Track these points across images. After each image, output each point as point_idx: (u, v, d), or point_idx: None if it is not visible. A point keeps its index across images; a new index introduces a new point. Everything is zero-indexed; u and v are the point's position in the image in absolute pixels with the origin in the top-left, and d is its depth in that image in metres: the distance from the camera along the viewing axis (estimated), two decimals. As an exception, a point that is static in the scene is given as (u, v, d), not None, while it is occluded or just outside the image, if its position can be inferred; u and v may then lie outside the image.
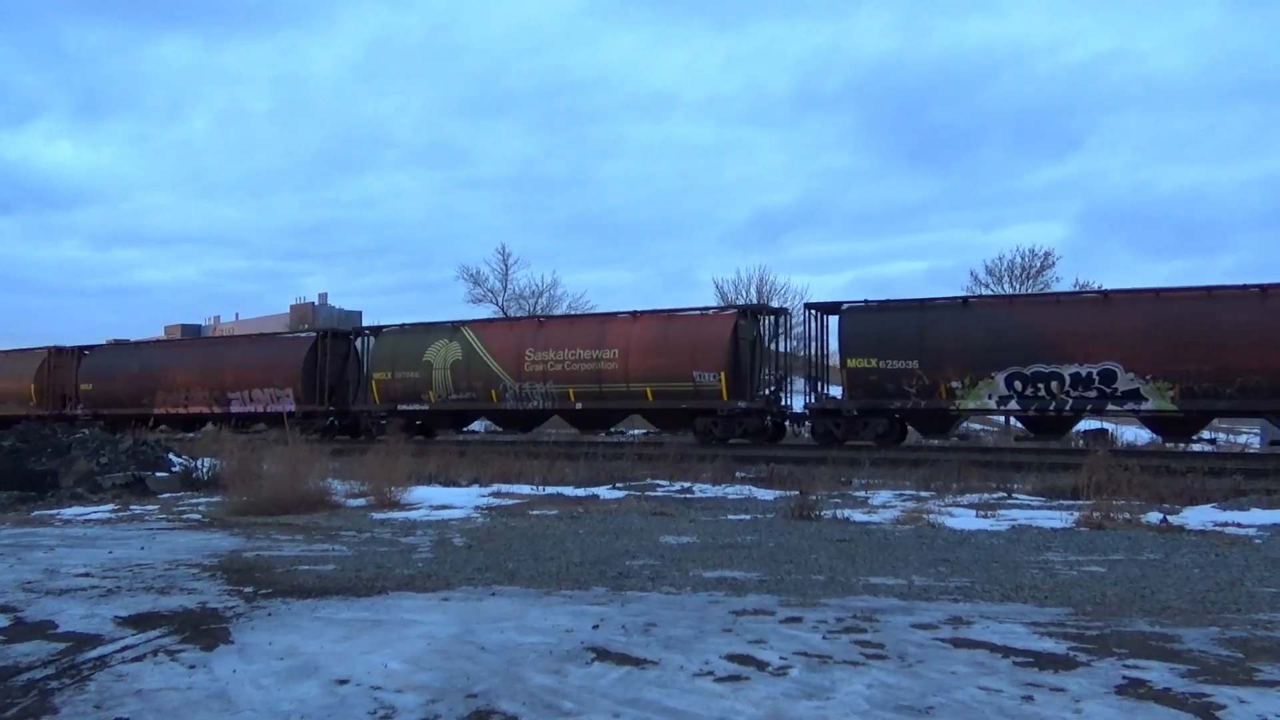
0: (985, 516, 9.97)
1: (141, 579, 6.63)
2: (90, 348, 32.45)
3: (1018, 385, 18.34)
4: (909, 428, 20.96)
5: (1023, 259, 40.32)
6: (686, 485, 13.86)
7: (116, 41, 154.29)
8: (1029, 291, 20.46)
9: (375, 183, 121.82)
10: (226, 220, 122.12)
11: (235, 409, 26.97)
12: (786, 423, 22.38)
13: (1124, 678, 4.08)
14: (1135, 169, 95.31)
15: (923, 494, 12.58)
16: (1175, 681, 4.02)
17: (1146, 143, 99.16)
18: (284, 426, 25.88)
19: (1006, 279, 39.98)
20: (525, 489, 13.35)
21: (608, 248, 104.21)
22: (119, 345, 33.50)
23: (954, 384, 18.79)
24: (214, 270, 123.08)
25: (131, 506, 11.86)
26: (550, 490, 13.16)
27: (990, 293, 36.12)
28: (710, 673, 4.19)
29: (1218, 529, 9.04)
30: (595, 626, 5.04)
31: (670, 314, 22.48)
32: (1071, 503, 10.98)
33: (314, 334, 27.47)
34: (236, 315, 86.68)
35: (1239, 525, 9.27)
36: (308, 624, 5.19)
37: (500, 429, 25.66)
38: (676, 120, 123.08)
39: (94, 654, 4.59)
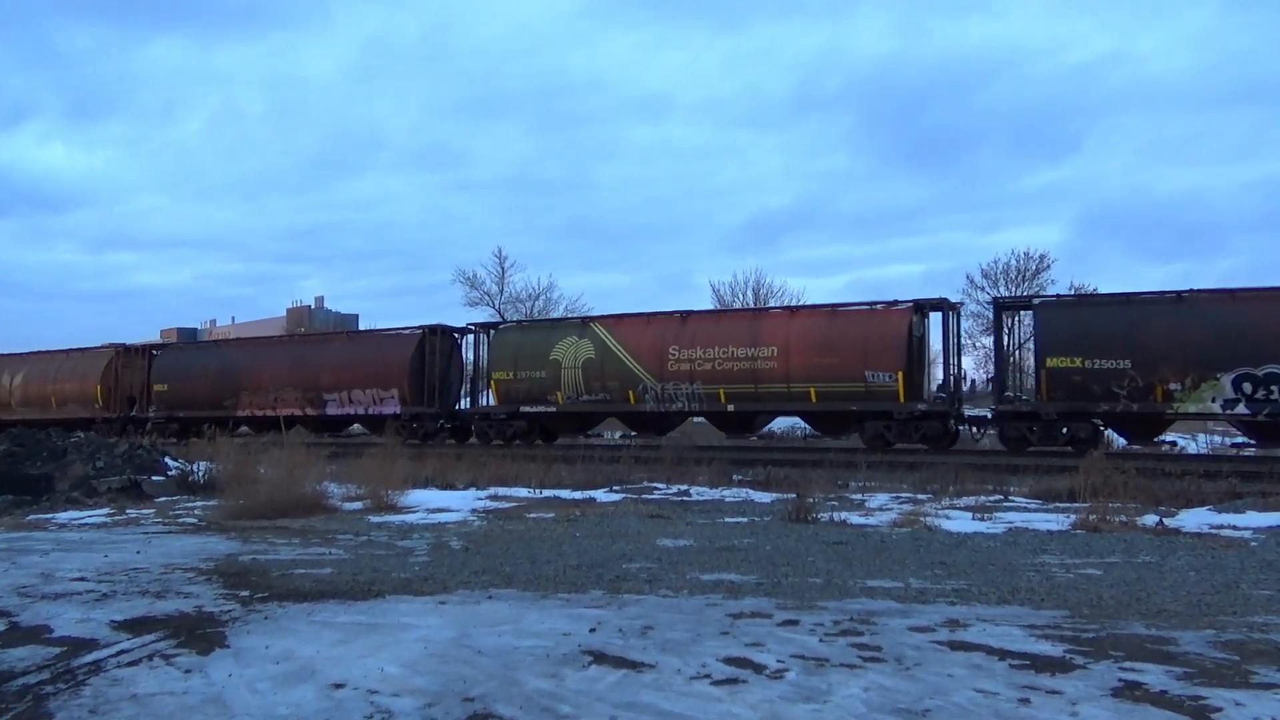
0: (982, 519, 9.98)
1: (137, 583, 6.62)
2: (162, 346, 30.66)
3: (1247, 388, 16.84)
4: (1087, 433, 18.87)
5: (1018, 262, 40.46)
6: (684, 488, 13.85)
7: (108, 42, 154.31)
8: (1251, 287, 18.59)
9: (370, 185, 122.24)
10: (221, 223, 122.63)
11: (331, 411, 25.38)
12: (963, 426, 20.45)
13: (1120, 680, 4.08)
14: (1133, 171, 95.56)
15: (919, 497, 12.58)
16: (1171, 684, 4.02)
17: (1144, 145, 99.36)
18: (385, 429, 24.21)
19: (1002, 282, 40.10)
20: (522, 492, 13.35)
21: (604, 251, 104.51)
22: (197, 343, 31.57)
23: (1172, 386, 17.28)
24: (208, 274, 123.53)
25: (127, 510, 11.84)
26: (547, 493, 13.16)
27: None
28: (707, 676, 4.19)
29: (1213, 531, 9.05)
30: (592, 630, 5.04)
31: (834, 309, 21.10)
32: (1068, 505, 11.00)
33: (421, 330, 25.30)
34: (233, 319, 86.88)
35: (1235, 528, 9.29)
36: (304, 628, 5.18)
37: (634, 433, 23.84)
38: (674, 122, 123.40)
39: (89, 658, 4.58)
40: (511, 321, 24.47)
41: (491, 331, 24.68)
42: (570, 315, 23.38)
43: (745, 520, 10.09)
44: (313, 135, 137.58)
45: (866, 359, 19.38)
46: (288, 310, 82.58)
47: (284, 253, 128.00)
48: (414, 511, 11.08)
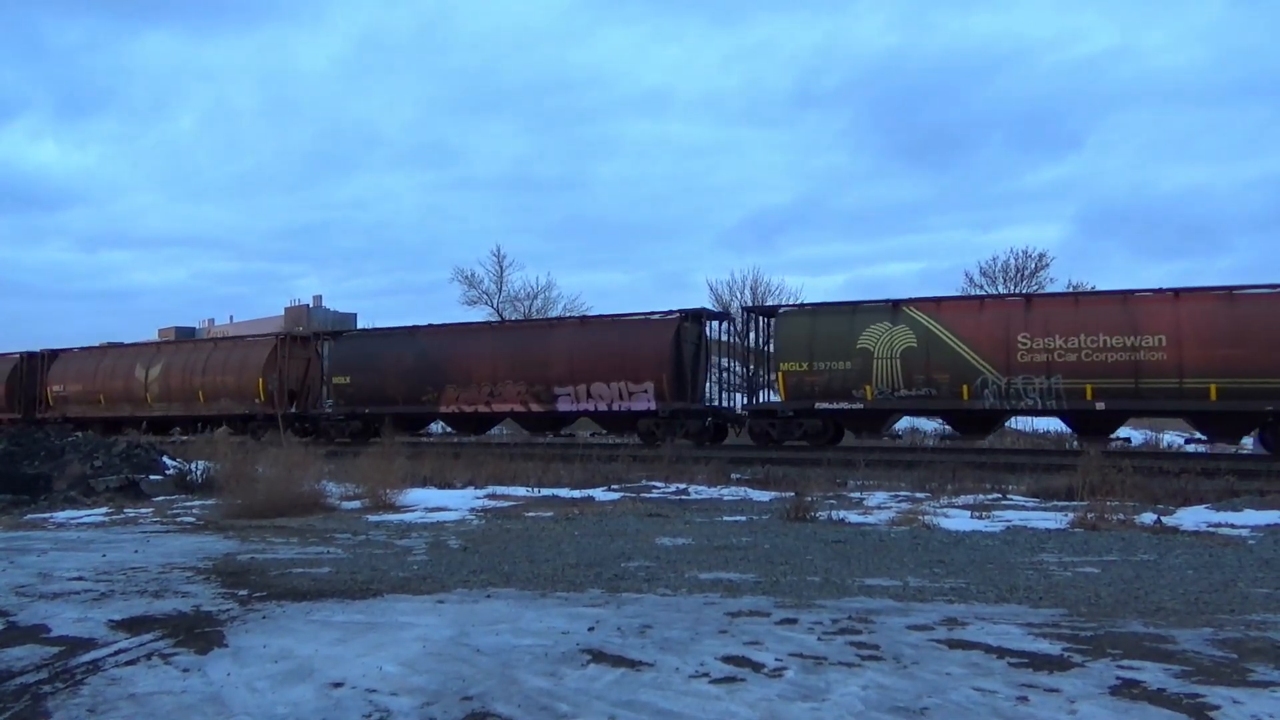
0: (980, 518, 9.99)
1: (135, 582, 6.62)
2: (335, 333, 27.48)
3: None
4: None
5: (1016, 260, 40.58)
6: (682, 487, 13.86)
7: (98, 36, 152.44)
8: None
9: (366, 183, 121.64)
10: (216, 221, 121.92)
11: (563, 407, 22.47)
12: None
13: (1118, 678, 4.09)
14: (1136, 168, 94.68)
15: (918, 495, 12.60)
16: (1169, 682, 4.03)
17: (1148, 141, 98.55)
18: (626, 428, 22.26)
19: (1000, 280, 40.22)
20: (520, 491, 13.35)
21: (601, 250, 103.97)
22: (385, 330, 27.32)
23: None
24: (204, 272, 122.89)
25: (125, 510, 11.84)
26: (545, 492, 13.16)
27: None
28: (706, 674, 4.19)
29: (1211, 530, 9.07)
30: (591, 628, 5.04)
31: (1231, 292, 18.02)
32: (1066, 504, 11.02)
33: (678, 314, 22.24)
34: (230, 318, 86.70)
35: (1232, 526, 9.30)
36: (302, 627, 5.18)
37: (957, 432, 20.91)
38: (672, 118, 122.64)
39: (87, 658, 4.58)
40: (792, 305, 20.90)
41: (764, 318, 21.35)
42: (873, 300, 20.21)
43: (744, 519, 10.09)
44: (307, 132, 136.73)
45: None
46: (286, 309, 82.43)
47: (280, 251, 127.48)
48: (412, 510, 11.08)
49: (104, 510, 11.84)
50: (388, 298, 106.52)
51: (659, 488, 13.87)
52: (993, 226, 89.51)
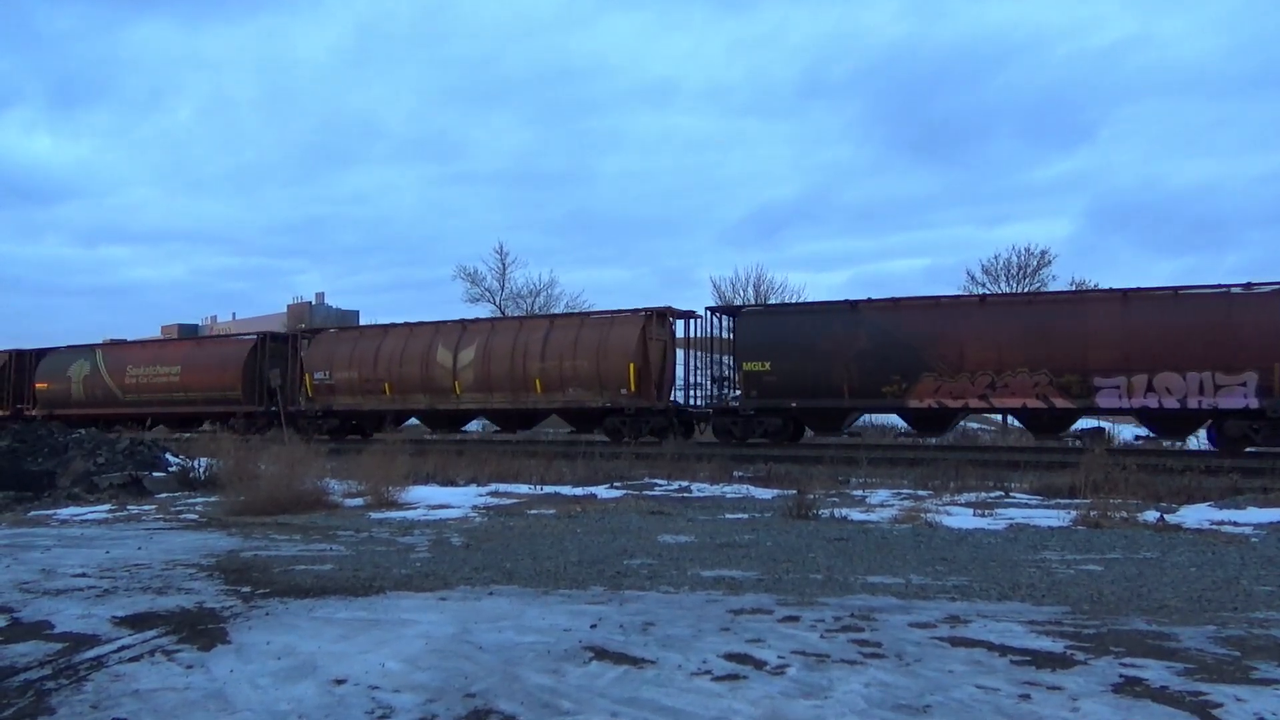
0: (983, 515, 9.99)
1: (138, 579, 6.63)
2: (736, 309, 22.35)
3: None
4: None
5: (1019, 258, 40.56)
6: (684, 484, 13.86)
7: (91, 24, 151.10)
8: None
9: (366, 177, 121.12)
10: (215, 216, 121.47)
11: (1105, 403, 17.76)
12: None
13: (1121, 676, 4.09)
14: (1147, 162, 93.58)
15: (920, 493, 12.59)
16: (1172, 680, 4.03)
17: (1161, 133, 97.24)
18: (1187, 429, 18.17)
19: (1003, 278, 40.22)
20: (523, 488, 13.35)
21: (603, 246, 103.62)
22: (806, 306, 21.70)
23: None
24: (204, 268, 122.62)
25: (128, 507, 11.85)
26: (548, 489, 13.16)
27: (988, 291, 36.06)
28: (708, 672, 4.19)
29: (1214, 527, 9.05)
30: (593, 626, 5.05)
31: None
32: (1069, 501, 11.01)
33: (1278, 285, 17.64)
34: (233, 315, 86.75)
35: (1235, 524, 9.29)
36: (305, 624, 5.19)
37: None
38: (677, 109, 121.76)
39: (91, 654, 4.59)
40: None
41: None
42: None
43: (746, 516, 10.09)
44: (306, 124, 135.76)
45: None
46: (289, 306, 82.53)
47: (280, 247, 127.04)
48: (415, 508, 11.08)
49: (107, 507, 11.86)
50: (388, 294, 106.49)
51: (661, 485, 13.87)
52: (1000, 222, 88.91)
